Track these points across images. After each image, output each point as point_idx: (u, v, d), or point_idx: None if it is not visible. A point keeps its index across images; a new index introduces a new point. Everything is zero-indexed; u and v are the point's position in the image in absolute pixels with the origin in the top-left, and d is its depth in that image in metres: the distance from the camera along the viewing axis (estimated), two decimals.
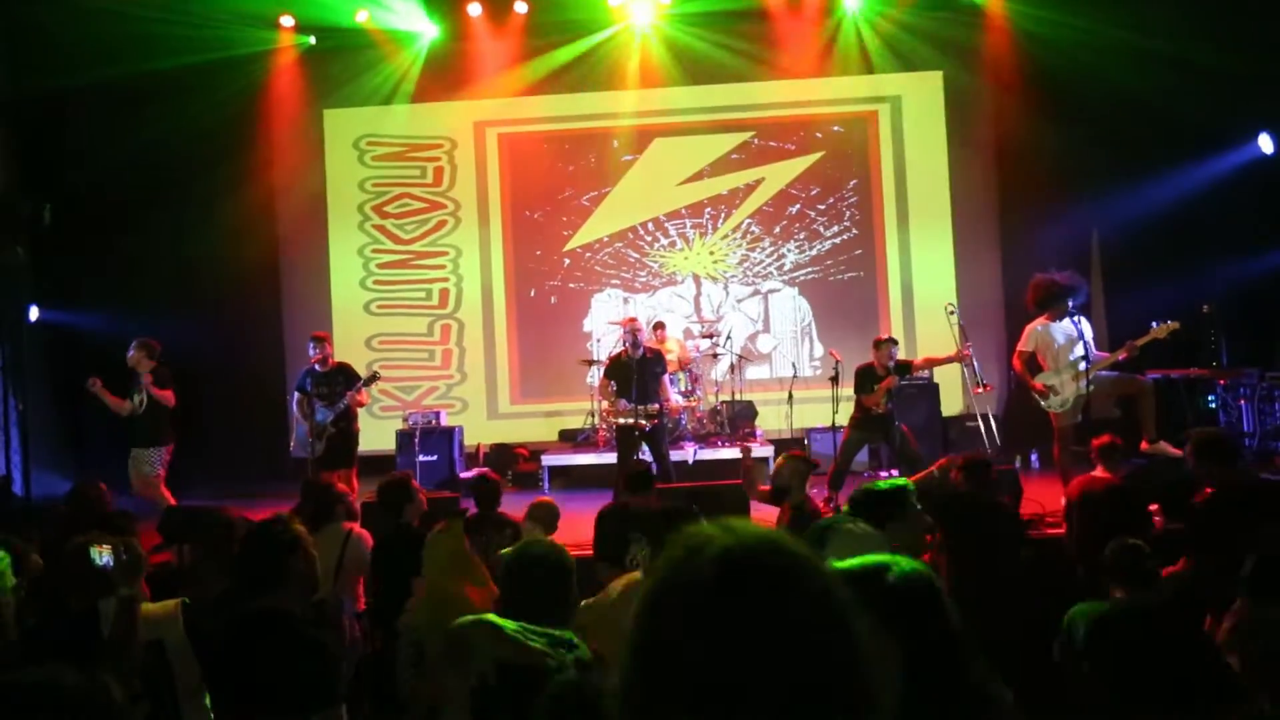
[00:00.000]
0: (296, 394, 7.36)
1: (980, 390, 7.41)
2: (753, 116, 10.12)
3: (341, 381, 7.15)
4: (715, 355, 9.50)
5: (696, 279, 10.21)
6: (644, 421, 6.95)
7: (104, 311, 9.13)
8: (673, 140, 10.17)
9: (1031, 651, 3.19)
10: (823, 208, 10.09)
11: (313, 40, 9.91)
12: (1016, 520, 4.80)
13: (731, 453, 8.58)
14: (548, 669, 2.08)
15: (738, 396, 9.34)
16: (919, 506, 3.01)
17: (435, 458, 8.68)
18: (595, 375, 9.01)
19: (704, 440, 8.78)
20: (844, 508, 3.30)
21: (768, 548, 0.89)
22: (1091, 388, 6.35)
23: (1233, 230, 8.66)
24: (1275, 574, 3.00)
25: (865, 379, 6.97)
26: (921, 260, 9.95)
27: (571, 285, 10.21)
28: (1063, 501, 6.32)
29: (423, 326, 10.28)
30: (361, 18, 9.58)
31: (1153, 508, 4.99)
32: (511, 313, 10.25)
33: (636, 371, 7.01)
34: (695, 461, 8.21)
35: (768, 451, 8.61)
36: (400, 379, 10.07)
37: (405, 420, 9.01)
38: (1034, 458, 8.61)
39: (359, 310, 10.23)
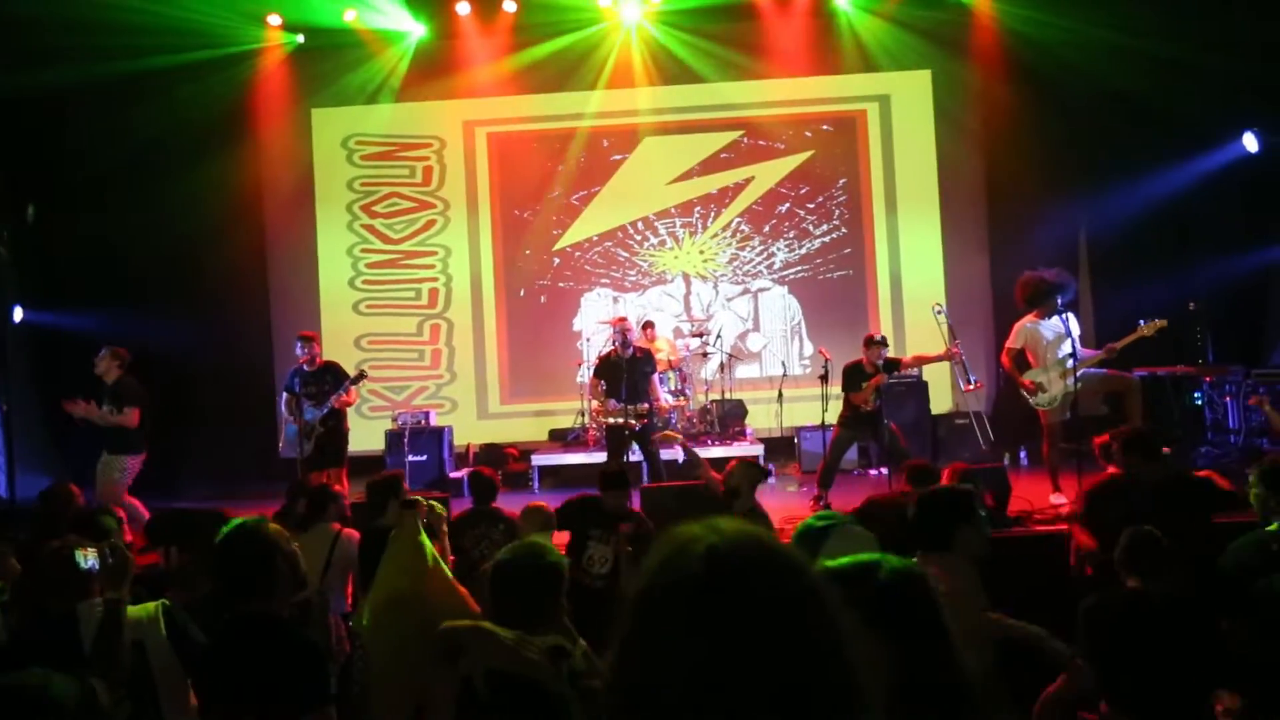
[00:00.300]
0: (285, 394, 7.32)
1: (971, 388, 7.44)
2: (742, 115, 10.13)
3: (329, 381, 7.12)
4: (705, 354, 9.52)
5: (686, 278, 10.22)
6: (633, 421, 6.95)
7: (89, 312, 9.07)
8: (662, 139, 10.17)
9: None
10: (812, 206, 10.11)
11: (301, 39, 9.87)
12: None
13: (722, 451, 8.59)
14: (541, 681, 2.06)
15: (727, 395, 9.36)
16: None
17: (425, 458, 8.67)
18: (585, 375, 9.01)
19: (694, 439, 8.78)
20: (849, 514, 3.30)
21: (754, 546, 0.89)
22: (1079, 385, 6.39)
23: (1219, 228, 8.73)
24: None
25: (853, 377, 6.99)
26: (910, 258, 9.99)
27: (561, 284, 10.20)
28: (1054, 500, 6.37)
29: (412, 326, 10.25)
30: (349, 17, 9.54)
31: None
32: (501, 312, 10.23)
33: (626, 371, 7.01)
34: (685, 461, 8.20)
35: (758, 450, 8.64)
36: (389, 379, 10.04)
37: (394, 420, 8.98)
38: (1023, 455, 8.66)
39: (348, 310, 10.19)
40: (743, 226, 10.16)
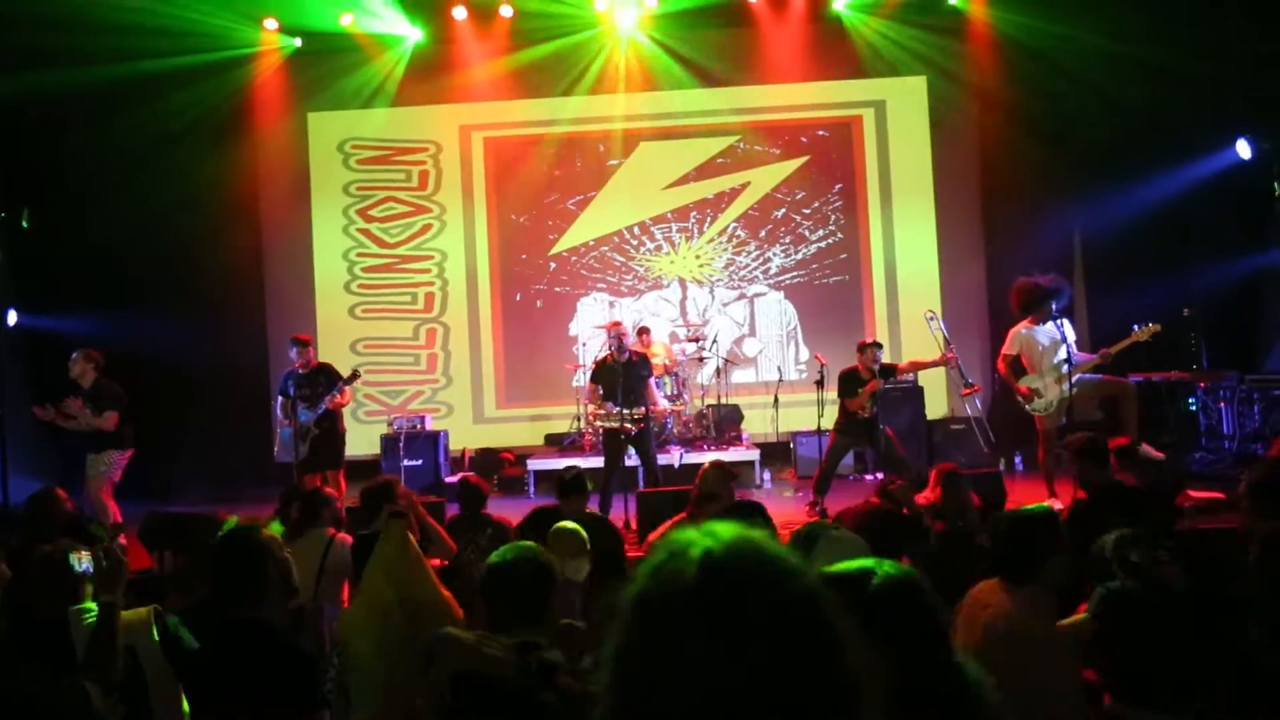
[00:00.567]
0: (279, 398, 7.31)
1: (968, 391, 7.46)
2: (738, 121, 10.15)
3: (323, 382, 7.11)
4: (701, 359, 9.52)
5: (682, 283, 10.22)
6: (629, 425, 6.95)
7: (84, 315, 9.05)
8: (659, 144, 10.18)
9: None
10: (808, 212, 10.13)
11: (298, 43, 9.86)
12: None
13: (717, 456, 8.59)
14: (504, 677, 2.04)
15: (723, 400, 9.35)
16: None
17: (420, 462, 8.65)
18: (581, 379, 9.00)
19: (690, 444, 8.79)
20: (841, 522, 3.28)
21: (749, 550, 0.89)
22: (1074, 390, 6.40)
23: (1213, 234, 8.77)
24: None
25: (849, 383, 6.99)
26: (906, 264, 10.01)
27: (557, 289, 10.20)
28: (1053, 504, 6.37)
29: (408, 330, 10.24)
30: (346, 21, 9.55)
31: None
32: (497, 316, 10.22)
33: (622, 375, 7.01)
34: (681, 465, 8.20)
35: (754, 455, 8.64)
36: (385, 383, 10.03)
37: (390, 424, 8.96)
38: (1018, 460, 8.67)
39: (343, 314, 10.17)
40: (739, 232, 10.17)
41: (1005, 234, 9.53)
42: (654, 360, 8.08)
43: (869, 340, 7.26)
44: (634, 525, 6.27)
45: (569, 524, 4.03)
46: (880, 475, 7.55)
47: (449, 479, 8.58)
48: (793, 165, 10.14)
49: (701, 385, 9.54)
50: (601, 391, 7.13)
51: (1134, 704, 2.51)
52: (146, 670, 2.53)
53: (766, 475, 8.69)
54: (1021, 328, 6.76)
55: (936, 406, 9.24)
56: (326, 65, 10.00)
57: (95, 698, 2.09)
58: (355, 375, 7.18)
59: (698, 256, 10.22)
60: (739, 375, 9.97)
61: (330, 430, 7.14)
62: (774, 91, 10.05)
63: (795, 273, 10.13)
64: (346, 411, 7.54)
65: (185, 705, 2.62)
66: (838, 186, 10.14)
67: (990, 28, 9.39)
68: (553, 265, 10.20)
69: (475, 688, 2.02)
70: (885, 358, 7.39)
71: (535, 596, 2.35)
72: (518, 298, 10.23)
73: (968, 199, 9.95)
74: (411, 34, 9.84)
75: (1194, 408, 8.16)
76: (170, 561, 4.80)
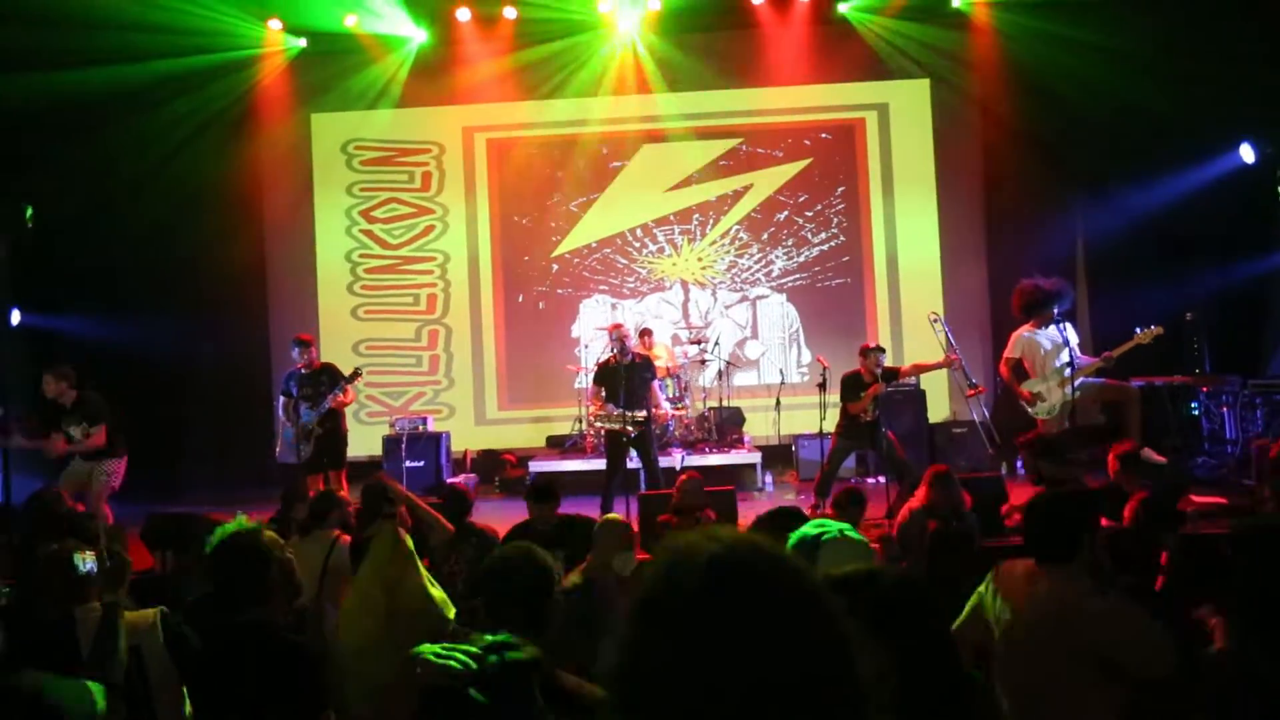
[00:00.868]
0: (282, 398, 7.31)
1: (973, 392, 7.44)
2: (741, 123, 10.16)
3: (326, 382, 7.12)
4: (703, 361, 9.52)
5: (685, 285, 10.23)
6: (631, 427, 6.95)
7: (86, 315, 9.06)
8: (661, 146, 10.19)
9: None
10: (810, 214, 10.13)
11: (302, 44, 9.88)
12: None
13: (719, 459, 8.60)
14: (462, 688, 2.02)
15: (725, 403, 9.35)
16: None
17: (422, 463, 8.65)
18: (583, 381, 9.01)
19: (692, 446, 8.79)
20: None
21: (755, 554, 0.89)
22: (1077, 394, 6.39)
23: (1216, 239, 8.76)
24: None
25: (851, 387, 6.99)
26: (908, 266, 10.01)
27: (560, 291, 10.21)
28: None
29: (410, 331, 10.25)
30: (350, 22, 9.56)
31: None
32: (499, 318, 10.23)
33: (625, 377, 7.01)
34: (683, 468, 8.20)
35: (756, 458, 8.64)
36: (387, 384, 10.03)
37: (392, 425, 8.97)
38: (1019, 464, 8.65)
39: (346, 315, 10.18)
40: (741, 234, 10.18)
41: (1008, 237, 9.53)
42: (656, 362, 8.08)
43: (871, 344, 7.25)
44: (635, 528, 6.26)
45: (615, 515, 4.07)
46: (882, 478, 7.56)
47: (450, 481, 8.58)
48: (795, 168, 10.14)
49: (703, 388, 9.54)
50: (604, 393, 7.14)
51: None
52: (151, 671, 2.53)
53: (768, 478, 8.69)
54: (1024, 331, 6.76)
55: (938, 409, 9.24)
56: (330, 66, 10.01)
57: (98, 697, 2.09)
58: (357, 374, 7.19)
59: (700, 259, 10.22)
60: (741, 378, 9.97)
61: (333, 430, 7.15)
62: (777, 94, 10.06)
63: (797, 275, 10.14)
64: (348, 412, 7.54)
65: (188, 707, 2.62)
66: (840, 189, 10.14)
67: (993, 31, 9.40)
68: (555, 267, 10.21)
69: (443, 703, 2.01)
70: (888, 361, 7.38)
71: (528, 601, 2.34)
72: (520, 299, 10.24)
73: (970, 201, 9.95)
74: (415, 35, 9.86)
75: (1196, 412, 8.15)
76: (171, 563, 4.80)
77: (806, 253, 10.13)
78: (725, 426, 9.13)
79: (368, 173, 10.30)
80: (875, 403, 6.87)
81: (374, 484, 4.56)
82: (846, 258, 10.11)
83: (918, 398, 8.66)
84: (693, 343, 9.55)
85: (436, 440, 8.84)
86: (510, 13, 9.54)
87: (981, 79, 9.60)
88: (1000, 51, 9.36)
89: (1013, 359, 6.76)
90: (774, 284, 10.16)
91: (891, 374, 7.15)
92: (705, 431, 9.06)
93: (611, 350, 7.26)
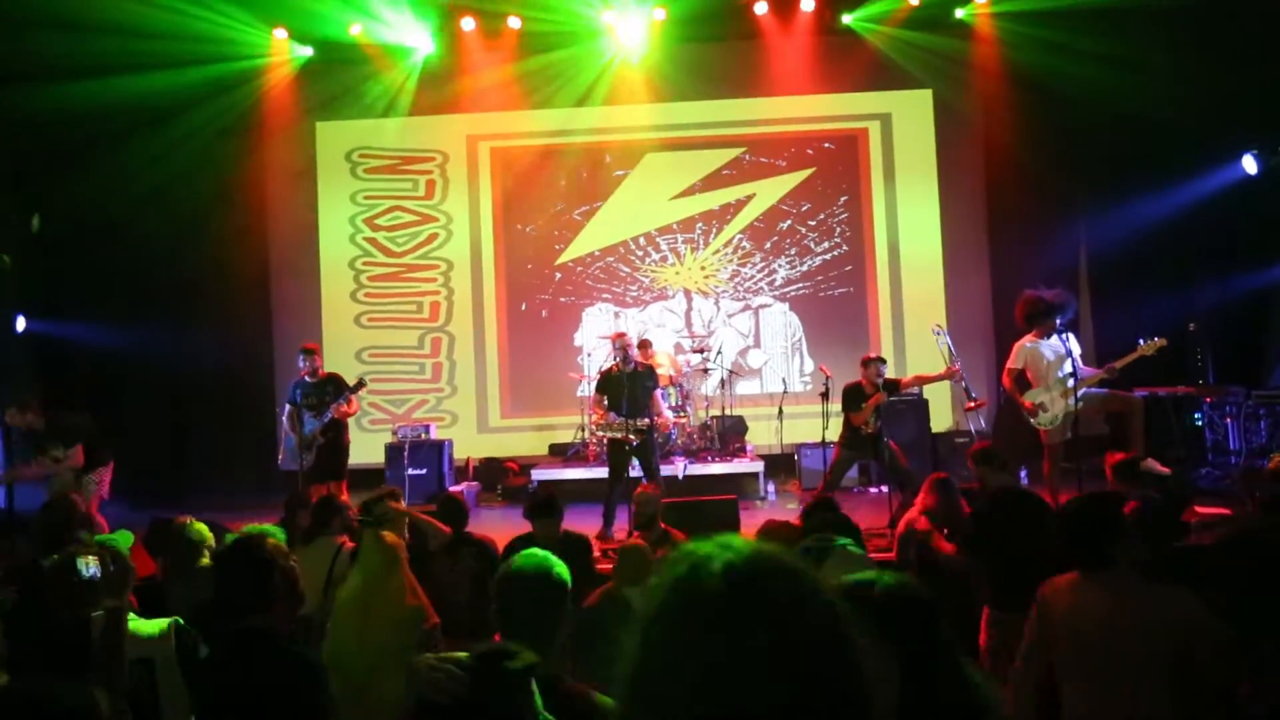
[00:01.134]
0: (287, 406, 7.33)
1: (972, 406, 7.44)
2: (744, 132, 10.19)
3: (330, 391, 7.13)
4: (706, 370, 9.52)
5: (687, 294, 10.24)
6: (633, 436, 6.95)
7: (91, 322, 9.09)
8: (664, 155, 10.22)
9: None
10: (813, 224, 10.15)
11: (309, 52, 9.92)
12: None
13: (722, 468, 8.60)
14: (453, 698, 2.03)
15: (728, 411, 9.35)
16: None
17: (424, 471, 8.66)
18: (586, 389, 9.01)
19: (694, 455, 8.78)
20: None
21: (770, 563, 0.90)
22: (1080, 404, 6.39)
23: (1219, 249, 8.77)
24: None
25: (853, 397, 6.98)
26: (911, 276, 10.02)
27: (563, 299, 10.23)
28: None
29: (413, 339, 10.26)
30: (355, 31, 9.61)
31: None
32: (502, 326, 10.24)
33: (627, 386, 7.02)
34: (685, 477, 8.20)
35: (758, 467, 8.63)
36: (390, 392, 10.05)
37: (395, 433, 8.98)
38: (1023, 474, 8.64)
39: (349, 322, 10.21)
40: (744, 243, 10.20)
41: (1011, 247, 9.54)
42: (658, 371, 8.08)
43: (873, 355, 7.24)
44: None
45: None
46: (885, 488, 7.55)
47: (453, 489, 8.58)
48: (798, 177, 10.16)
49: (706, 396, 9.54)
50: (606, 402, 7.14)
51: None
52: (161, 682, 2.52)
53: (771, 487, 8.68)
54: (1026, 341, 6.75)
55: (941, 419, 9.23)
56: (335, 75, 10.06)
57: (102, 702, 2.10)
58: (361, 384, 7.21)
59: (703, 267, 10.24)
60: (743, 387, 9.98)
61: (335, 440, 7.16)
62: (780, 104, 10.09)
63: (800, 284, 10.15)
64: (351, 420, 7.54)
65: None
66: (843, 199, 10.16)
67: (996, 41, 9.42)
68: (558, 275, 10.23)
69: (433, 713, 2.02)
70: (890, 371, 7.38)
71: (539, 611, 2.33)
72: (523, 307, 10.25)
73: (973, 211, 9.96)
74: (421, 45, 9.90)
75: (1200, 423, 8.14)
76: (163, 568, 4.80)
77: (809, 262, 10.15)
78: (728, 435, 9.12)
79: (372, 181, 10.34)
80: (877, 413, 6.87)
81: (376, 494, 4.54)
82: (849, 267, 10.12)
83: (920, 407, 8.65)
84: (695, 351, 9.56)
85: (439, 448, 8.84)
86: (514, 22, 9.58)
87: (984, 89, 9.62)
88: (1003, 62, 9.39)
89: (1015, 369, 6.76)
90: (777, 293, 10.17)
91: (893, 386, 7.15)
92: (708, 440, 9.06)
93: (614, 359, 7.27)
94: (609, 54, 9.90)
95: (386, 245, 10.31)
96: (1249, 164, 8.45)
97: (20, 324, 9.04)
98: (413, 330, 10.26)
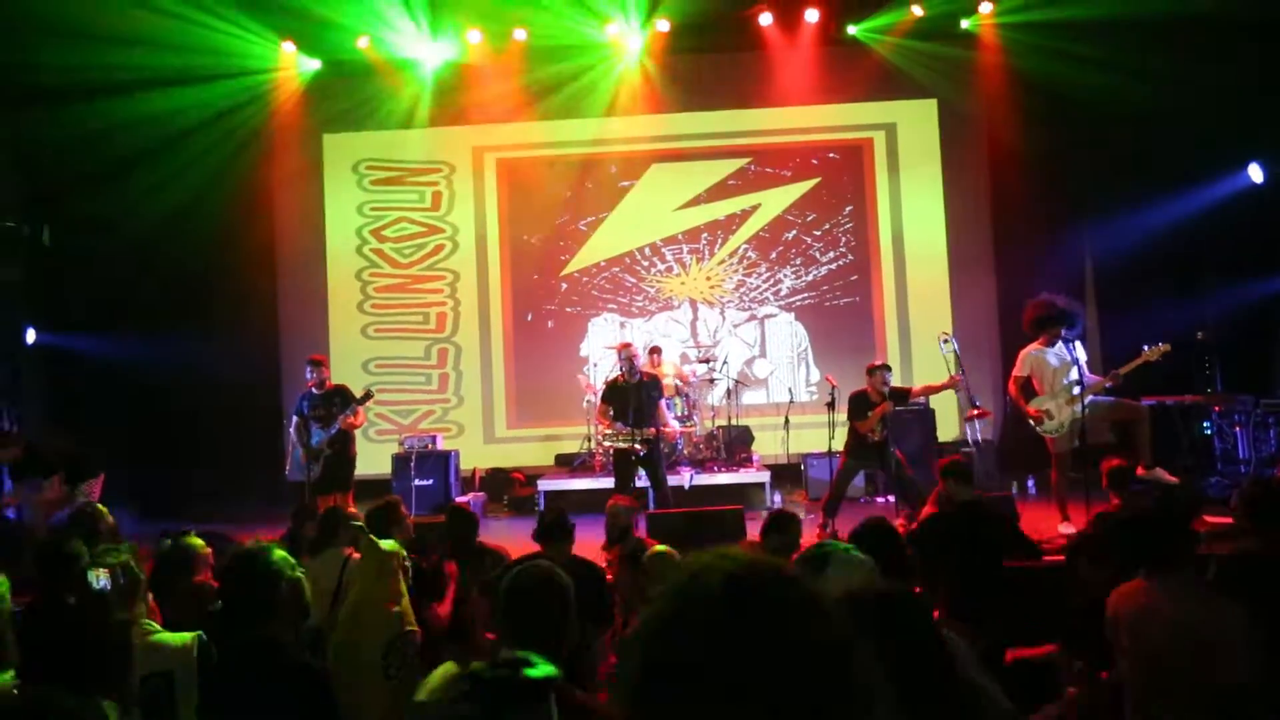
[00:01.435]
0: (294, 418, 7.35)
1: (974, 415, 7.41)
2: (749, 143, 10.22)
3: (338, 403, 7.16)
4: (711, 380, 9.52)
5: (693, 304, 10.26)
6: (639, 446, 6.95)
7: (100, 334, 9.14)
8: (670, 166, 10.25)
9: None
10: (819, 233, 10.16)
11: (316, 65, 9.99)
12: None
13: (728, 477, 8.59)
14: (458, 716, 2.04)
15: (734, 421, 9.35)
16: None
17: (431, 482, 8.66)
18: (592, 399, 9.01)
19: (700, 465, 8.78)
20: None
21: (770, 572, 0.91)
22: (1087, 412, 6.37)
23: (1226, 257, 8.75)
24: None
25: (859, 406, 6.97)
26: (917, 286, 10.01)
27: (568, 309, 10.25)
28: (1062, 529, 6.33)
29: (420, 350, 10.29)
30: (363, 44, 9.68)
31: None
32: (508, 337, 10.27)
33: (633, 396, 7.02)
34: (691, 486, 8.20)
35: (764, 477, 8.62)
36: (396, 402, 10.07)
37: (401, 444, 8.99)
38: (1030, 484, 8.62)
39: (356, 333, 10.24)
40: (749, 253, 10.21)
41: (1016, 255, 9.53)
42: (664, 381, 8.09)
43: (878, 363, 7.23)
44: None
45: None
46: (891, 497, 7.53)
47: (459, 499, 8.58)
48: (803, 187, 10.18)
49: (712, 406, 9.53)
50: (612, 412, 7.15)
51: None
52: (180, 697, 2.52)
53: (777, 497, 8.67)
54: (1032, 349, 6.74)
55: (947, 429, 9.21)
56: (342, 87, 10.13)
57: (110, 714, 2.10)
58: (368, 395, 7.23)
59: (708, 278, 10.25)
60: (749, 396, 9.97)
61: (341, 452, 7.18)
62: (785, 114, 10.12)
63: (806, 294, 10.15)
64: (358, 431, 7.56)
65: None
66: (848, 208, 10.17)
67: (1001, 50, 9.44)
68: (564, 286, 10.26)
69: None
70: (896, 380, 7.37)
71: (545, 620, 2.34)
72: (529, 318, 10.28)
73: (978, 220, 9.96)
74: (427, 57, 9.96)
75: (1209, 431, 8.10)
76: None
77: (815, 272, 10.16)
78: (734, 445, 9.12)
79: (379, 192, 10.40)
80: (883, 422, 6.86)
81: (381, 504, 4.55)
82: (855, 276, 10.12)
83: (926, 417, 8.64)
84: (701, 361, 9.56)
85: (445, 459, 8.85)
86: (520, 34, 9.64)
87: (989, 97, 9.63)
88: (1008, 70, 9.40)
89: (1021, 377, 6.74)
90: (782, 303, 10.18)
91: (902, 395, 7.13)
92: (714, 450, 9.06)
93: (620, 369, 7.28)
94: (615, 65, 9.95)
95: (393, 256, 10.36)
96: (1254, 173, 8.44)
97: (30, 335, 9.10)
98: (419, 341, 10.29)
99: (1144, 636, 2.67)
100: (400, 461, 8.74)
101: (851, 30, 9.74)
